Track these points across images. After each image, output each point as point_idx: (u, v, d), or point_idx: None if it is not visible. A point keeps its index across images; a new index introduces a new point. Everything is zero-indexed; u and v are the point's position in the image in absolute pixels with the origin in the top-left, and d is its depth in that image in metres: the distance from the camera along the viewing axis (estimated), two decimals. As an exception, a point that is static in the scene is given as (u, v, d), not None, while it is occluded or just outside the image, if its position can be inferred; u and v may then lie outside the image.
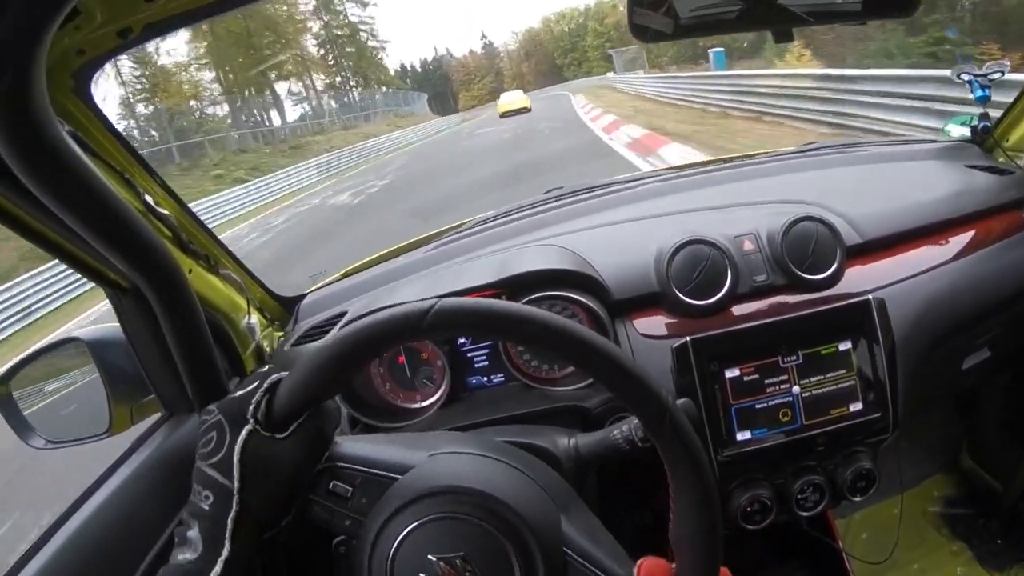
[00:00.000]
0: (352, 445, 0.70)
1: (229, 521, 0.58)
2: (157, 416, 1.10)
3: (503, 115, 30.62)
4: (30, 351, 1.16)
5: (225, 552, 0.58)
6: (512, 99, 32.99)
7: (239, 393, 0.63)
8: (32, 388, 1.15)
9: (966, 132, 1.39)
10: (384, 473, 0.66)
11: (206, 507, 0.59)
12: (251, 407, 0.61)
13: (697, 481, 0.57)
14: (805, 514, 1.09)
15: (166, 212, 0.95)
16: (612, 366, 0.57)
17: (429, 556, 0.59)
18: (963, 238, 1.22)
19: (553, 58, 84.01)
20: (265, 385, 0.62)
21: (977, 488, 1.72)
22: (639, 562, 0.60)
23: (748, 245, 1.12)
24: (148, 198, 0.92)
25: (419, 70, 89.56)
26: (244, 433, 0.60)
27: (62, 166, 0.63)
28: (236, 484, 0.59)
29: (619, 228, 1.25)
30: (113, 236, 0.73)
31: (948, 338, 1.17)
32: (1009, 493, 1.61)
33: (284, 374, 0.63)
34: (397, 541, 0.60)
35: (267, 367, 0.67)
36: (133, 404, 1.09)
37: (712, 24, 0.97)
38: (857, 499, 1.10)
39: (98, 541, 0.86)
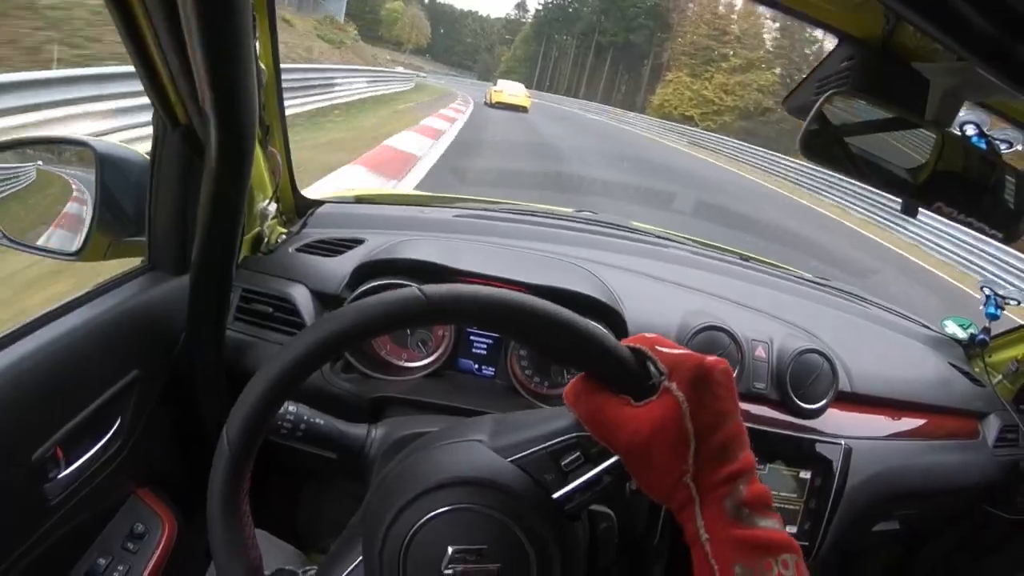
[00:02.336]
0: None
1: None
2: (135, 264, 1.01)
3: (494, 104, 25.23)
4: (32, 135, 1.04)
5: None
6: (512, 90, 26.76)
7: None
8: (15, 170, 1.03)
9: (959, 334, 1.50)
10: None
11: None
12: None
13: (536, 319, 0.56)
14: None
15: (263, 67, 0.88)
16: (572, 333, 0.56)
17: (448, 547, 0.55)
18: (928, 424, 1.31)
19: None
20: None
21: None
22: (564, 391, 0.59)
23: (760, 352, 1.16)
24: (258, 45, 0.85)
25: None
26: None
27: None
28: None
29: (653, 283, 1.26)
30: (216, 60, 0.66)
31: (883, 502, 1.25)
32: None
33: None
34: (414, 528, 0.56)
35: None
36: (114, 238, 1.00)
37: (876, 174, 0.89)
38: None
39: (38, 379, 0.76)
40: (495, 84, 28.60)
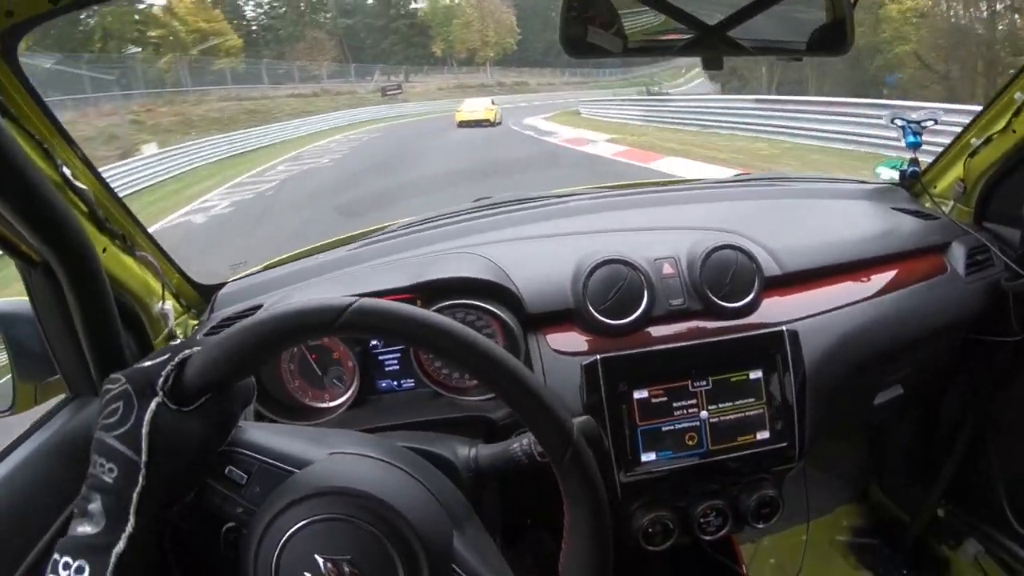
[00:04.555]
0: (254, 432, 0.68)
1: (135, 495, 0.57)
2: (62, 397, 1.08)
3: (460, 124, 23.58)
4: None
5: (129, 527, 0.56)
6: (471, 107, 25.34)
7: (147, 364, 0.61)
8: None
9: (895, 176, 1.44)
10: (282, 465, 0.65)
11: (109, 480, 0.57)
12: (160, 379, 0.59)
13: (592, 522, 0.58)
14: (707, 538, 1.11)
15: (84, 187, 0.92)
16: (521, 389, 0.58)
17: (316, 556, 0.58)
18: (884, 277, 1.26)
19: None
20: (177, 359, 0.61)
21: (885, 519, 1.78)
22: None
23: (667, 269, 1.14)
24: (67, 171, 0.89)
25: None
26: (153, 405, 0.58)
27: None
28: (144, 458, 0.57)
29: (541, 242, 1.26)
30: (24, 207, 0.71)
31: (861, 373, 1.20)
32: (916, 525, 1.67)
33: (196, 349, 0.62)
34: (285, 537, 0.59)
35: (178, 341, 0.65)
36: (38, 383, 1.07)
37: (659, 47, 0.99)
38: (760, 526, 1.12)
39: None
40: (462, 104, 26.71)
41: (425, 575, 0.59)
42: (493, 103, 26.66)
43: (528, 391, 0.58)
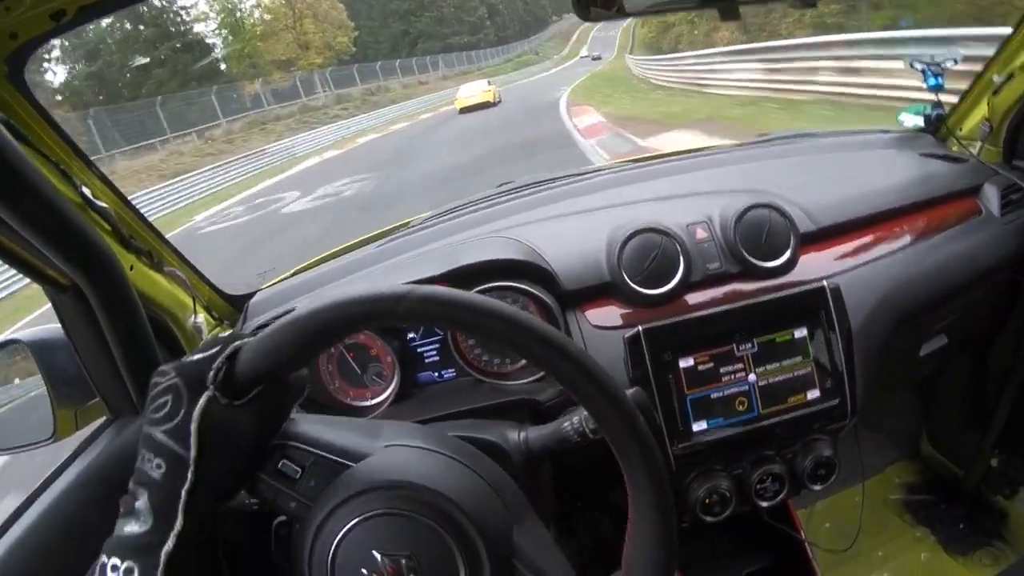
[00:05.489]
0: (307, 424, 0.66)
1: (183, 492, 0.55)
2: (102, 420, 1.07)
3: (462, 110, 25.06)
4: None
5: (178, 525, 0.54)
6: (469, 92, 26.55)
7: (197, 356, 0.59)
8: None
9: (919, 121, 1.40)
10: (337, 458, 0.63)
11: (157, 476, 0.56)
12: (212, 372, 0.57)
13: (651, 485, 0.56)
14: (765, 504, 1.09)
15: (105, 205, 0.92)
16: (567, 361, 0.55)
17: (374, 552, 0.57)
18: (918, 225, 1.23)
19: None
20: (228, 351, 0.58)
21: (938, 474, 1.75)
22: None
23: (701, 233, 1.11)
24: (86, 191, 0.89)
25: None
26: (204, 400, 0.56)
27: None
28: (193, 453, 0.55)
29: (570, 219, 1.24)
30: (48, 231, 0.71)
31: (905, 324, 1.17)
32: (970, 478, 1.64)
33: (247, 340, 0.59)
34: (343, 532, 0.58)
35: (229, 332, 0.63)
36: (78, 408, 1.06)
37: (664, 4, 0.96)
38: (817, 488, 1.10)
39: (42, 548, 0.83)
40: (459, 90, 28.19)
41: (485, 569, 0.58)
42: (489, 84, 27.92)
43: (570, 359, 0.55)
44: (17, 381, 1.19)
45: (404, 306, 0.55)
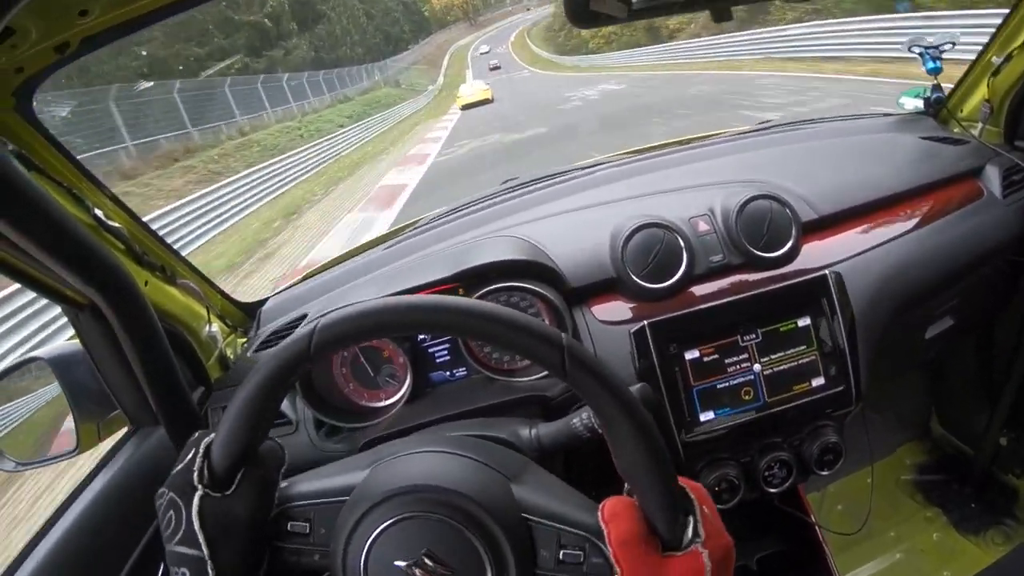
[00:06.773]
0: (297, 484, 0.70)
1: None
2: (124, 431, 1.10)
3: (464, 107, 28.26)
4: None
5: None
6: (469, 91, 29.95)
7: (180, 467, 0.64)
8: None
9: (919, 104, 1.40)
10: (334, 499, 0.67)
11: None
12: (195, 475, 0.63)
13: (619, 407, 0.58)
14: (773, 490, 1.11)
15: (118, 225, 0.94)
16: (498, 325, 0.58)
17: (396, 563, 0.60)
18: (920, 209, 1.23)
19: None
20: (201, 450, 0.64)
21: (948, 454, 1.75)
22: (601, 505, 0.61)
23: (703, 226, 1.13)
24: (98, 212, 0.91)
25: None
26: (197, 500, 0.61)
27: (7, 186, 0.64)
28: (206, 551, 0.60)
29: (574, 216, 1.25)
30: (64, 254, 0.73)
31: (909, 309, 1.18)
32: (980, 457, 1.64)
33: (212, 434, 0.65)
34: (363, 558, 0.61)
35: (197, 433, 0.68)
36: (100, 420, 1.09)
37: (665, 6, 0.96)
38: (825, 473, 1.11)
39: (73, 557, 0.88)
40: (460, 90, 31.08)
41: (499, 535, 0.60)
42: (486, 85, 31.21)
43: (503, 322, 0.58)
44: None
45: (315, 341, 0.59)
